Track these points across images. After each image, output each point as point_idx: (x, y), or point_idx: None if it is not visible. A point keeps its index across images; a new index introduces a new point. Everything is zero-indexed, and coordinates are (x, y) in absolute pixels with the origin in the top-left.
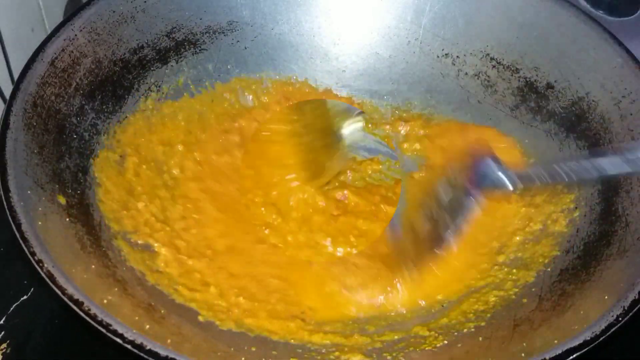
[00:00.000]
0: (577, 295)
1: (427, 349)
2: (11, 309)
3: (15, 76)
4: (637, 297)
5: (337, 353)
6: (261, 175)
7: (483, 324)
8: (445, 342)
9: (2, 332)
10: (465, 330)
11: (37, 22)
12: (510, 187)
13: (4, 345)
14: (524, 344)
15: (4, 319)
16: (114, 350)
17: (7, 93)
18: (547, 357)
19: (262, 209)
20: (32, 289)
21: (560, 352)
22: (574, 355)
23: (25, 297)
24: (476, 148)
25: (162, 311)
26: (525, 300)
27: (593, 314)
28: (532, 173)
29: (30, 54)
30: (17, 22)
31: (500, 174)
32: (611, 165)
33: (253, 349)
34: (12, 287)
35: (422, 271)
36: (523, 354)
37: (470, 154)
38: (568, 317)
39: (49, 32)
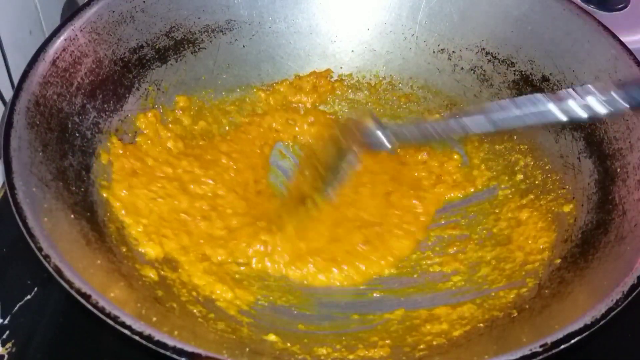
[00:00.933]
0: (576, 282)
1: (427, 338)
2: (15, 308)
3: (14, 78)
4: (635, 282)
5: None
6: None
7: (483, 311)
8: (445, 327)
9: (7, 332)
10: (465, 317)
11: (35, 25)
12: (388, 145)
13: (9, 344)
14: (525, 330)
15: (8, 318)
16: (117, 348)
17: (7, 95)
18: (549, 342)
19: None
20: (35, 289)
21: (561, 336)
22: (575, 340)
23: (29, 296)
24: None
25: (168, 305)
26: (525, 289)
27: (593, 300)
28: (405, 131)
29: (28, 56)
30: (15, 25)
31: (378, 133)
32: (475, 124)
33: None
34: (16, 287)
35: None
36: (524, 339)
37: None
38: (568, 303)
39: (47, 34)
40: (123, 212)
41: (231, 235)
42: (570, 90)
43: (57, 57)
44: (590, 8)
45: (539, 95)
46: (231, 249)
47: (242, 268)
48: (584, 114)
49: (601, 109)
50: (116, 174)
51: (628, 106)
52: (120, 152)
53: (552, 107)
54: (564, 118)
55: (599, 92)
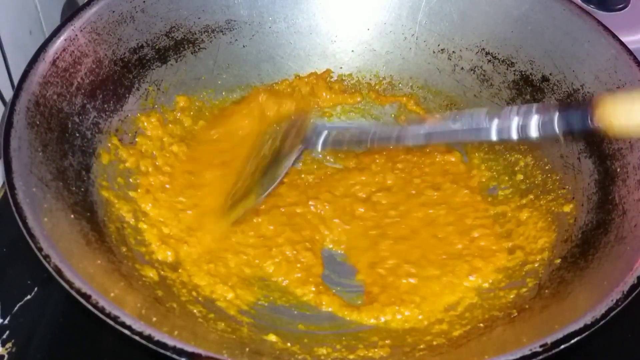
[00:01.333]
0: (576, 282)
1: (427, 337)
2: (15, 308)
3: (14, 78)
4: (635, 282)
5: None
6: None
7: (483, 311)
8: (445, 327)
9: (7, 332)
10: (465, 317)
11: (35, 25)
12: (319, 148)
13: (9, 344)
14: (525, 330)
15: (8, 318)
16: (117, 348)
17: (7, 95)
18: (549, 342)
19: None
20: (35, 289)
21: (561, 336)
22: (575, 340)
23: (29, 296)
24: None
25: (168, 305)
26: (525, 289)
27: (593, 300)
28: (347, 135)
29: (28, 56)
30: (15, 25)
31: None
32: (411, 135)
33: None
34: (16, 287)
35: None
36: (524, 339)
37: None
38: (568, 303)
39: (47, 34)
40: (142, 220)
41: (264, 243)
42: (515, 108)
43: (57, 57)
44: (590, 8)
45: (480, 112)
46: (254, 255)
47: (247, 270)
48: (515, 136)
49: (534, 133)
50: (141, 189)
51: (560, 132)
52: (147, 170)
53: (488, 125)
54: (494, 138)
55: (540, 113)
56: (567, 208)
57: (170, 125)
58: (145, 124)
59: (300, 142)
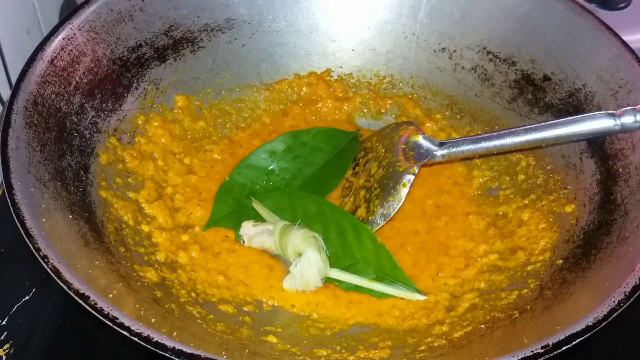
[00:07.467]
0: (578, 283)
1: (428, 339)
2: (13, 309)
3: (12, 77)
4: (637, 282)
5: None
6: None
7: (484, 312)
8: (446, 330)
9: (5, 333)
10: (466, 318)
11: (33, 24)
12: (440, 158)
13: (7, 345)
14: (527, 331)
15: (6, 319)
16: (116, 349)
17: (5, 94)
18: (551, 343)
19: None
20: (33, 290)
21: (563, 337)
22: (577, 341)
23: (27, 297)
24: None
25: (167, 306)
26: (526, 290)
27: (594, 301)
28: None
29: (26, 56)
30: (13, 24)
31: (430, 145)
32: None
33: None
34: (14, 288)
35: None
36: (526, 340)
37: (399, 132)
38: (570, 304)
39: (45, 33)
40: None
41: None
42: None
43: (56, 56)
44: (592, 7)
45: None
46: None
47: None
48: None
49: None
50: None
51: None
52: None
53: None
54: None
55: None
56: (569, 208)
57: (169, 125)
58: (148, 126)
59: (414, 161)
